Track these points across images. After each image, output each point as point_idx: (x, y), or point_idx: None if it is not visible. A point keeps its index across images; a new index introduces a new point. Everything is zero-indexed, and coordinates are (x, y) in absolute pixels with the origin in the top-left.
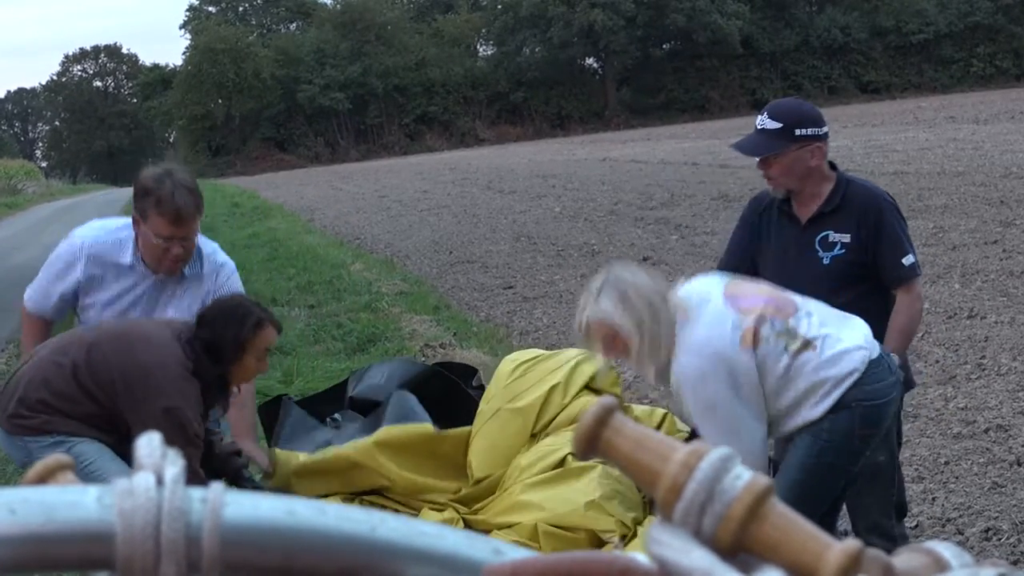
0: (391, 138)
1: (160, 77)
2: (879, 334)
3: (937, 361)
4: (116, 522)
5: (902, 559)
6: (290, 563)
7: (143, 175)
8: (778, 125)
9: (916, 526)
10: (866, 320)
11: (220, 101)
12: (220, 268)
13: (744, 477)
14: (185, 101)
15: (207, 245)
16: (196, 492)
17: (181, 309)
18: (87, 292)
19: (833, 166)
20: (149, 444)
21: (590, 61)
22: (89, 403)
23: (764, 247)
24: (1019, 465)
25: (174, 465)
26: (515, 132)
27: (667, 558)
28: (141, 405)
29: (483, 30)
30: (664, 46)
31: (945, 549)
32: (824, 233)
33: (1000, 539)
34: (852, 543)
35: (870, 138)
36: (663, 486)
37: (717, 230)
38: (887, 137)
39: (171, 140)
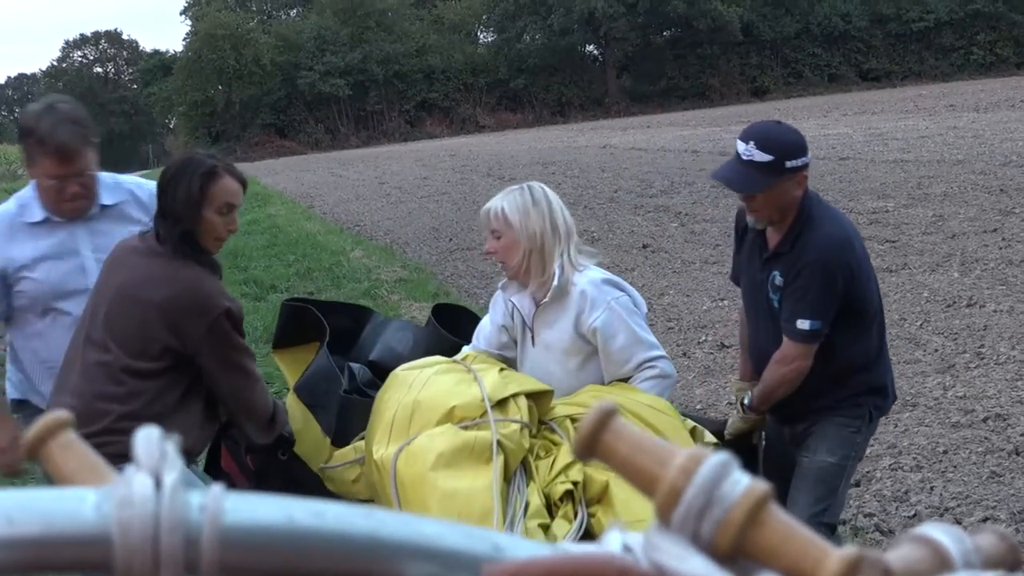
0: (391, 124)
1: (160, 63)
2: (817, 387)
3: (936, 350)
4: (114, 531)
5: (900, 554)
6: (290, 568)
7: (24, 113)
8: (768, 157)
9: (914, 515)
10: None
11: (220, 87)
12: (138, 187)
13: (743, 482)
14: (185, 87)
15: (109, 177)
16: (195, 498)
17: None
18: (11, 266)
19: (807, 195)
20: (147, 441)
21: (590, 48)
22: (163, 381)
23: (742, 267)
24: (1017, 454)
25: (173, 469)
26: (515, 119)
27: (664, 564)
28: (196, 335)
29: (483, 16)
30: (665, 33)
31: (944, 535)
32: (773, 274)
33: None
34: (851, 549)
35: (870, 126)
36: (662, 491)
37: (716, 217)
38: (887, 125)
39: (171, 126)
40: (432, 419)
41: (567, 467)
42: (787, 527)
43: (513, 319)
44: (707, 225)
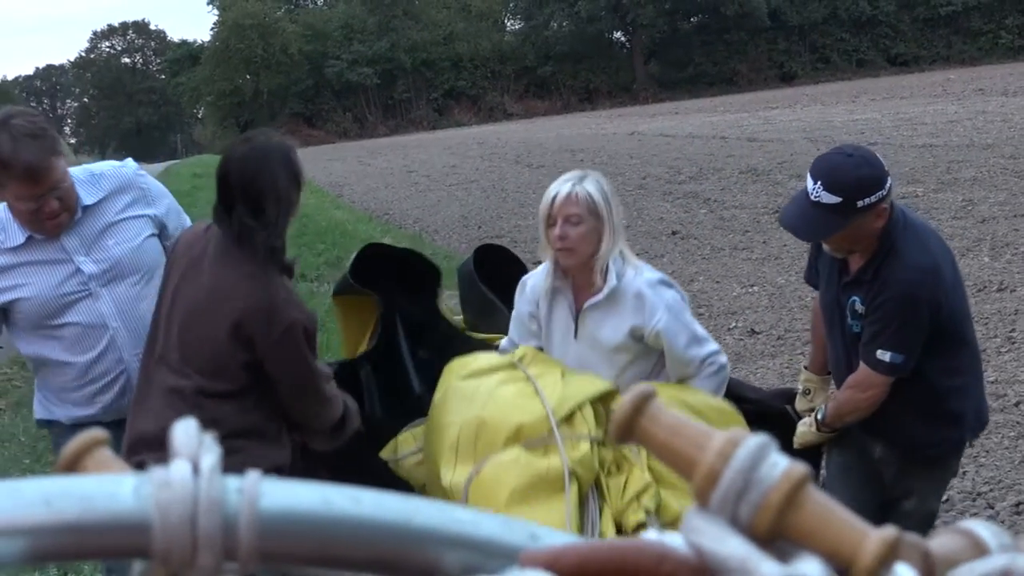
0: (419, 113)
1: (188, 53)
2: (909, 415)
3: None
4: (153, 514)
5: (939, 542)
6: (326, 552)
7: None
8: (836, 200)
9: (947, 500)
10: (884, 401)
11: (248, 77)
12: (116, 172)
13: (781, 465)
14: (213, 77)
15: (82, 172)
16: (232, 482)
17: (130, 233)
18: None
19: (892, 218)
20: (185, 432)
21: (618, 35)
22: (247, 401)
23: (820, 275)
24: None
25: (211, 452)
26: (543, 106)
27: (704, 546)
28: (265, 344)
29: (511, 4)
30: (692, 19)
31: (983, 529)
32: (853, 299)
33: None
34: (889, 530)
35: (899, 111)
36: (699, 474)
37: (746, 204)
38: (916, 110)
39: (199, 116)
40: (498, 440)
41: (641, 492)
42: (825, 509)
43: (539, 307)
44: (736, 211)
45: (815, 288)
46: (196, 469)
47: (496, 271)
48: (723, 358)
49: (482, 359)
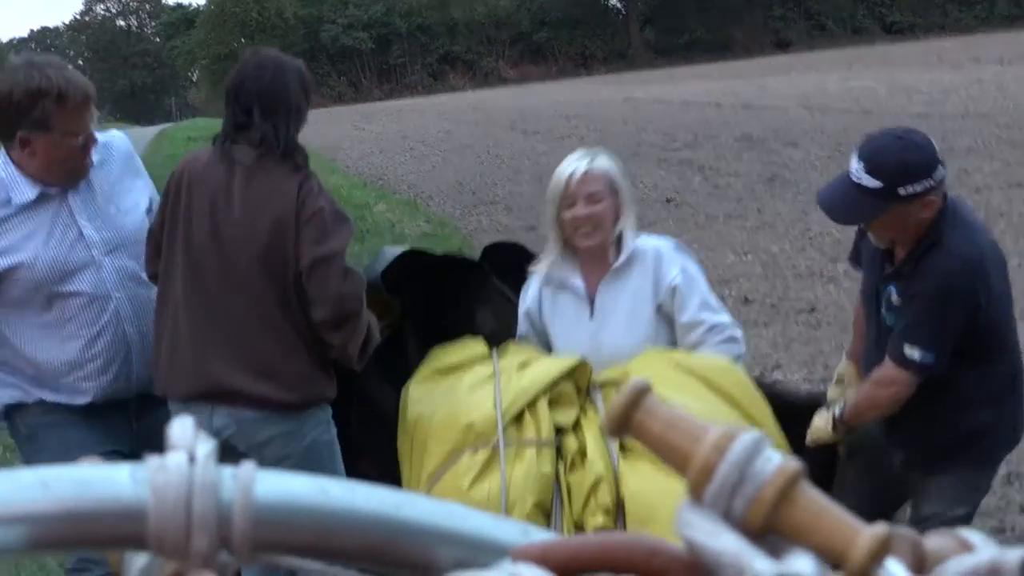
0: (414, 78)
1: (183, 16)
2: (936, 426)
3: None
4: (149, 497)
5: (930, 542)
6: (319, 541)
7: (8, 88)
8: (877, 184)
9: None
10: (908, 407)
11: (243, 40)
12: (122, 146)
13: (775, 460)
14: (208, 40)
15: None
16: (227, 469)
17: (129, 203)
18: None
19: (942, 211)
20: (181, 427)
21: (613, 1)
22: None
23: (863, 258)
24: None
25: (206, 444)
26: (538, 72)
27: (696, 540)
28: (299, 233)
29: None
30: None
31: (974, 536)
32: (890, 288)
33: (1021, 484)
34: (881, 527)
35: (894, 79)
36: (694, 467)
37: (740, 171)
38: (911, 78)
39: (194, 79)
40: (449, 439)
41: (594, 486)
42: (818, 505)
43: (540, 303)
44: (731, 179)
45: (857, 268)
46: (192, 459)
47: (505, 272)
48: (737, 331)
49: (457, 352)
